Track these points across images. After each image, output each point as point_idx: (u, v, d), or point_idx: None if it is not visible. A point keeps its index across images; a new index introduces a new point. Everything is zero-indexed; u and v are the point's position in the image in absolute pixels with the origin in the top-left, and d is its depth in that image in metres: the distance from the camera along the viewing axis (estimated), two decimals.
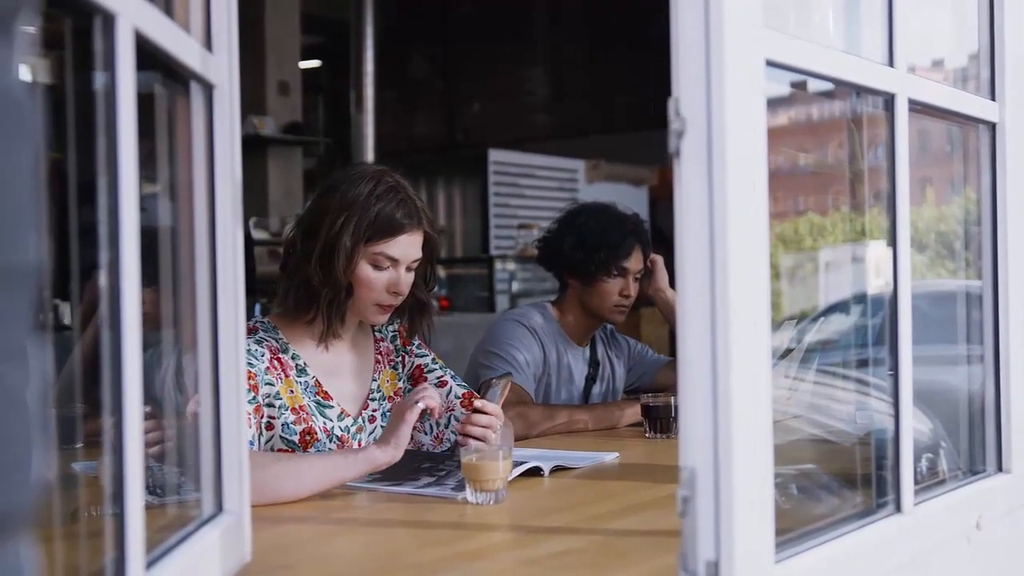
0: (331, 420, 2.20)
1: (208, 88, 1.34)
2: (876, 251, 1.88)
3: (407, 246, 2.18)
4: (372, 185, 2.15)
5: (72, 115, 1.06)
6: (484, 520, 1.78)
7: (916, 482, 1.55)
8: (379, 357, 2.35)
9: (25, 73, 0.57)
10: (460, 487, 1.91)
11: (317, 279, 2.14)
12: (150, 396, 1.09)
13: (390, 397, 2.33)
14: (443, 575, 1.47)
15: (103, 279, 1.00)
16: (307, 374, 2.20)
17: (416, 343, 2.40)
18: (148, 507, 1.07)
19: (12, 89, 0.55)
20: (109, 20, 0.99)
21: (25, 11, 0.57)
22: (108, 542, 1.04)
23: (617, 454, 2.36)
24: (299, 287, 2.18)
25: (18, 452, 0.54)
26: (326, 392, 2.22)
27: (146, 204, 1.09)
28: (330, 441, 2.18)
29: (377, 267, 2.17)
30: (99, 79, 1.01)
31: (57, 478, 1.19)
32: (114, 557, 1.01)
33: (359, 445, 2.22)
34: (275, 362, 2.16)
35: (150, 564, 1.09)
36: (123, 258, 1.00)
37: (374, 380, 2.32)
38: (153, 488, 1.32)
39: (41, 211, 0.58)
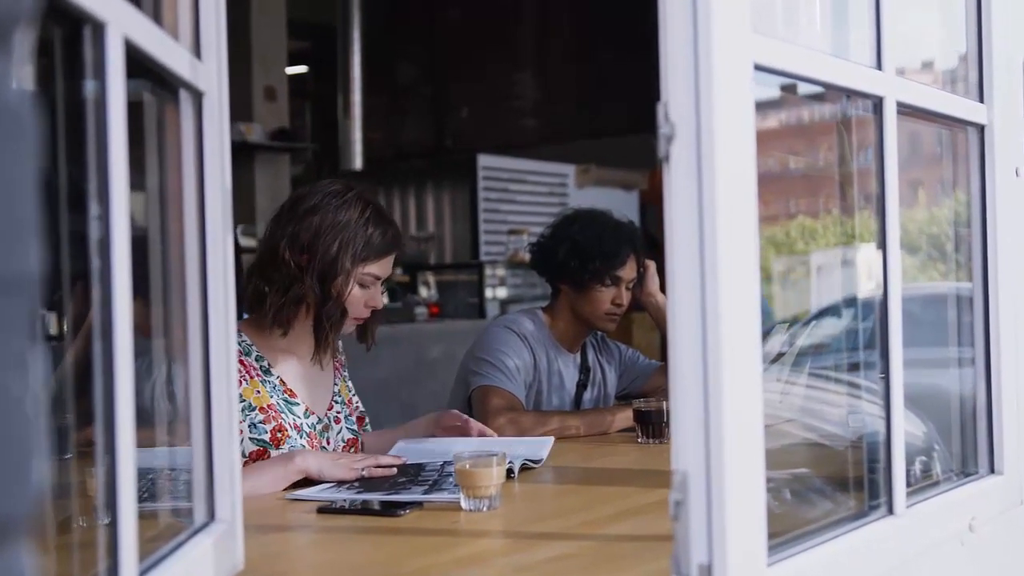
0: (299, 417, 2.28)
1: (197, 96, 1.34)
2: (867, 254, 1.89)
3: (390, 266, 2.33)
4: (360, 209, 2.26)
5: (60, 123, 1.05)
6: (478, 527, 1.77)
7: (909, 484, 1.56)
8: (337, 365, 2.47)
9: (24, 82, 0.57)
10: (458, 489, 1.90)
11: (314, 298, 2.24)
12: (140, 406, 1.09)
13: (347, 402, 2.44)
14: None
15: (95, 288, 1.00)
16: (272, 374, 2.28)
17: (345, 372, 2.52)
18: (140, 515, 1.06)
19: (11, 100, 0.55)
20: (99, 28, 0.99)
21: (24, 22, 0.57)
22: (99, 552, 1.03)
23: (551, 439, 2.42)
24: (292, 303, 2.25)
25: (19, 460, 0.54)
26: (291, 390, 2.30)
27: (134, 212, 1.08)
28: (300, 437, 2.26)
29: (363, 286, 2.29)
30: (88, 87, 1.01)
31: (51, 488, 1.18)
32: (107, 566, 1.01)
33: (327, 443, 2.34)
34: (238, 365, 2.20)
35: (142, 573, 1.09)
36: (114, 267, 1.00)
37: (335, 384, 2.43)
38: (142, 496, 1.31)
39: (41, 220, 0.58)
